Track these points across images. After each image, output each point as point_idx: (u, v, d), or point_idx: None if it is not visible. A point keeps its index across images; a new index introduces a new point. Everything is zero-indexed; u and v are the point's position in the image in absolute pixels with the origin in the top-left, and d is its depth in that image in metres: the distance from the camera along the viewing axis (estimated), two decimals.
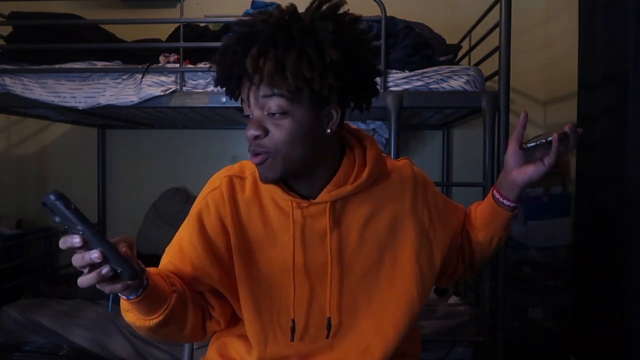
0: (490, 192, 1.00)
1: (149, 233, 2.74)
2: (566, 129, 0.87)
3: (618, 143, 1.68)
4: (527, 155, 0.92)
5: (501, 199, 0.97)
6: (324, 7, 0.81)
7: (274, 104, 0.80)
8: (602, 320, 1.79)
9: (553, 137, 0.86)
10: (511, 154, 0.93)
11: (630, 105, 1.63)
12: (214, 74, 0.86)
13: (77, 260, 0.66)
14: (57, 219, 0.63)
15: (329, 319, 0.91)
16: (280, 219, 0.91)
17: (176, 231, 0.96)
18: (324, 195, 0.88)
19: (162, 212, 2.77)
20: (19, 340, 2.12)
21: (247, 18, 0.83)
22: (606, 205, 1.78)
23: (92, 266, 0.66)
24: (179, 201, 2.78)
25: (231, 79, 0.84)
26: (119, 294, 0.73)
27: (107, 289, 0.69)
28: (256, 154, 0.84)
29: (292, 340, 0.92)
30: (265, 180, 0.86)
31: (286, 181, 0.90)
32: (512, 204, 0.97)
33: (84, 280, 0.67)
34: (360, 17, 0.84)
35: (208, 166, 2.86)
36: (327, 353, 0.94)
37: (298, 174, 0.87)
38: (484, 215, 1.02)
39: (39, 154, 2.96)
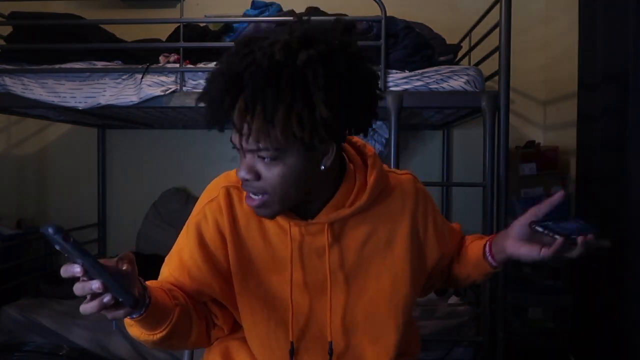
0: (484, 241, 0.98)
1: (149, 233, 2.74)
2: (579, 240, 0.80)
3: (618, 143, 1.68)
4: (532, 232, 0.85)
5: (488, 255, 0.95)
6: (316, 40, 0.74)
7: (263, 153, 0.77)
8: (602, 320, 1.79)
9: (558, 240, 0.80)
10: (519, 223, 0.87)
11: (630, 105, 1.63)
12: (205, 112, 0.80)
13: (78, 289, 0.65)
14: (57, 247, 0.63)
15: (331, 343, 0.90)
16: (278, 235, 0.90)
17: (176, 231, 0.96)
18: (321, 217, 0.87)
19: (162, 212, 2.77)
20: (19, 340, 2.12)
21: (233, 59, 0.75)
22: (606, 205, 1.78)
23: (94, 294, 0.66)
24: (179, 201, 2.78)
25: (219, 124, 0.80)
26: None
27: (109, 315, 0.69)
28: (250, 196, 0.82)
29: None
30: (261, 216, 0.86)
31: None
32: (494, 264, 0.95)
33: (86, 308, 0.66)
34: (358, 38, 0.78)
35: (208, 166, 2.86)
36: None
37: (293, 207, 0.86)
38: (469, 258, 1.01)
39: (39, 154, 2.96)
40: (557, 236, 0.80)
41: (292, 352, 0.90)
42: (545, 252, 0.82)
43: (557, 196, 0.84)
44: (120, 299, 0.67)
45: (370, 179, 0.89)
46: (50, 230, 0.61)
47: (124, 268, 0.69)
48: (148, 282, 0.80)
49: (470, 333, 2.00)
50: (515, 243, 0.87)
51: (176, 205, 2.75)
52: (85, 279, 0.65)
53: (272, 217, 0.85)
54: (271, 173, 0.78)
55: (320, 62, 0.73)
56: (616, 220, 1.71)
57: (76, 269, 0.64)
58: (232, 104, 0.74)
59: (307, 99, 0.72)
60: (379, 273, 0.92)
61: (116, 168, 2.93)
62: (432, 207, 0.99)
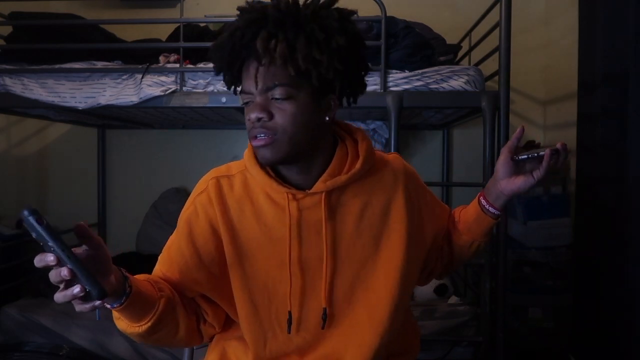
0: (477, 197, 1.01)
1: (149, 233, 2.74)
2: (558, 145, 0.88)
3: (618, 143, 1.68)
4: (518, 166, 0.94)
5: (487, 206, 0.98)
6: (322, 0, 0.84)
7: (278, 91, 0.82)
8: (602, 320, 1.79)
9: (545, 153, 0.88)
10: (502, 163, 0.94)
11: (630, 105, 1.63)
12: (217, 59, 0.88)
13: (52, 276, 0.66)
14: (34, 235, 0.64)
15: (325, 309, 0.91)
16: (275, 213, 0.90)
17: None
18: (319, 185, 0.89)
19: (162, 212, 2.77)
20: (19, 340, 2.12)
21: (253, 5, 0.85)
22: (606, 205, 1.78)
23: (66, 282, 0.66)
24: (179, 201, 2.78)
25: (235, 64, 0.85)
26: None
27: (77, 308, 0.69)
28: (259, 137, 0.84)
29: (289, 332, 0.92)
30: (267, 162, 0.86)
31: (280, 173, 0.91)
32: (497, 212, 0.98)
33: (58, 297, 0.67)
34: (355, 11, 0.88)
35: (208, 166, 2.83)
36: (325, 345, 0.94)
37: (298, 159, 0.88)
38: (468, 220, 1.03)
39: (39, 154, 2.96)
40: (541, 152, 0.89)
41: (290, 322, 0.91)
42: (537, 173, 0.91)
43: (520, 129, 0.93)
44: (87, 289, 0.65)
45: (362, 149, 0.93)
46: (26, 212, 0.62)
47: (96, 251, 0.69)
48: (134, 276, 0.81)
49: (470, 333, 2.00)
50: (508, 182, 0.94)
51: (176, 205, 2.75)
52: (58, 267, 0.65)
53: (277, 161, 0.86)
54: (283, 112, 0.83)
55: (331, 7, 0.84)
56: (616, 220, 1.71)
57: (49, 258, 0.64)
58: (254, 35, 0.80)
59: (325, 31, 0.81)
60: (376, 244, 0.93)
61: (116, 168, 2.94)
62: (421, 184, 1.03)
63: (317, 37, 0.80)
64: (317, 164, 0.90)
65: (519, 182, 0.92)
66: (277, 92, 0.82)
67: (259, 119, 0.83)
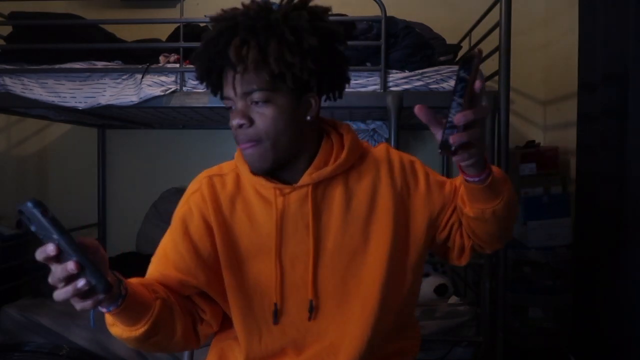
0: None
1: (149, 233, 2.74)
2: (452, 140, 0.75)
3: (618, 143, 1.68)
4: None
5: (467, 178, 0.87)
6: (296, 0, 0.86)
7: (256, 95, 0.83)
8: (602, 320, 1.79)
9: (454, 148, 0.76)
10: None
11: (630, 105, 1.62)
12: (197, 68, 0.89)
13: (55, 274, 0.63)
14: (33, 228, 0.62)
15: (311, 301, 0.92)
16: (264, 209, 0.92)
17: None
18: (305, 179, 0.90)
19: (162, 212, 2.77)
20: (19, 340, 2.12)
21: (225, 13, 0.86)
22: (606, 205, 1.78)
23: (69, 279, 0.64)
24: (179, 201, 2.77)
25: (213, 72, 0.87)
26: (99, 307, 0.72)
27: (79, 305, 0.67)
28: (244, 143, 0.86)
29: (275, 323, 0.92)
30: (257, 171, 0.89)
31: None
32: (476, 178, 0.85)
33: (59, 294, 0.65)
34: (330, 8, 0.88)
35: (208, 166, 2.84)
36: (322, 339, 0.94)
37: (285, 161, 0.89)
38: (464, 194, 0.94)
39: (39, 154, 2.96)
40: (452, 146, 0.75)
41: (276, 313, 0.92)
42: (461, 156, 0.78)
43: (423, 113, 0.80)
44: (93, 283, 0.63)
45: (347, 140, 0.94)
46: (30, 204, 0.61)
47: (101, 252, 0.68)
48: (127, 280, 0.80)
49: (470, 333, 2.00)
50: (456, 157, 0.81)
51: (176, 205, 2.74)
52: (56, 261, 0.63)
53: (266, 169, 0.88)
54: (264, 117, 0.84)
55: (303, 8, 0.84)
56: (616, 220, 1.71)
57: (49, 248, 0.62)
58: (227, 44, 0.81)
59: (295, 33, 0.81)
60: (364, 235, 0.93)
61: (116, 168, 2.94)
62: (410, 168, 0.99)
63: (287, 39, 0.80)
64: (303, 160, 0.92)
65: (458, 158, 0.80)
66: (256, 97, 0.83)
67: (240, 126, 0.85)
